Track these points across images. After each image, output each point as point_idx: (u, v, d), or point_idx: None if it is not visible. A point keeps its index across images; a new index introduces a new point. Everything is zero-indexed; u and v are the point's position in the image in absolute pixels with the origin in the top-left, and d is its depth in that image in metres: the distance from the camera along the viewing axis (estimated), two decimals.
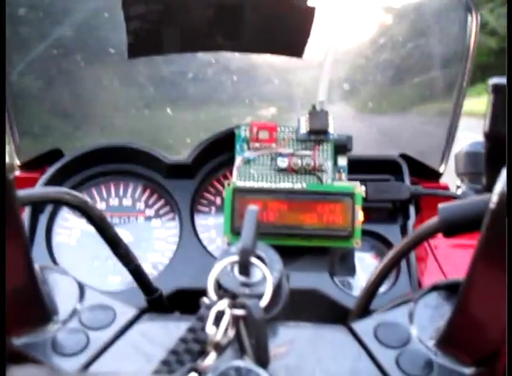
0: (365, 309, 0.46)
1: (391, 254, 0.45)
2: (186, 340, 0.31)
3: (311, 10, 0.67)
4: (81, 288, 0.40)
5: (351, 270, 0.65)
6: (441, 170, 0.77)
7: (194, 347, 0.30)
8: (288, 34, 0.71)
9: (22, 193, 0.44)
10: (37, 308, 0.36)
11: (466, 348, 0.36)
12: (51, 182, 0.66)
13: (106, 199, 0.69)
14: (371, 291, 0.46)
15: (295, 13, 0.68)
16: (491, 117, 0.33)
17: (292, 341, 0.36)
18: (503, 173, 0.30)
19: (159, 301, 0.54)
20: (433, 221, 0.42)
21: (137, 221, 0.68)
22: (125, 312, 0.37)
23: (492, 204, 0.30)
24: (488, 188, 0.36)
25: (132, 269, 0.50)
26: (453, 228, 0.41)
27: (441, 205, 0.42)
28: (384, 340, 0.37)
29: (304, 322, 0.38)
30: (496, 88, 0.32)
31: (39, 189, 0.43)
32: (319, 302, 0.62)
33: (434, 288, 0.41)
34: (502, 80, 0.32)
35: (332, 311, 0.61)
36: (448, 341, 0.36)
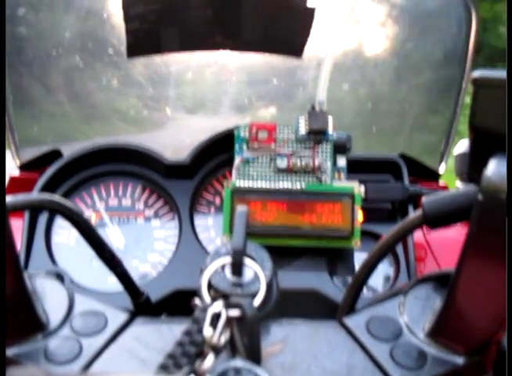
0: (353, 304, 0.46)
1: (375, 248, 0.44)
2: (183, 343, 0.30)
3: (311, 10, 0.67)
4: (71, 295, 0.39)
5: (350, 271, 0.65)
6: (440, 170, 0.77)
7: (191, 350, 0.30)
8: (288, 33, 0.71)
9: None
10: (27, 316, 0.35)
11: (458, 339, 0.36)
12: (50, 183, 0.66)
13: (106, 199, 0.69)
14: (357, 285, 0.46)
15: (295, 13, 0.68)
16: (475, 110, 0.33)
17: (286, 338, 0.36)
18: (490, 165, 0.30)
19: (146, 305, 0.54)
20: (417, 213, 0.42)
21: (136, 221, 0.68)
22: (117, 317, 0.37)
23: (480, 196, 0.30)
24: (471, 179, 0.36)
25: (118, 273, 0.50)
26: (437, 220, 0.41)
27: (424, 198, 0.42)
28: (376, 334, 0.37)
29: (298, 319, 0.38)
30: (479, 81, 0.32)
31: (21, 196, 0.43)
32: (319, 303, 0.62)
33: (423, 280, 0.41)
34: (484, 72, 0.32)
35: (331, 311, 0.61)
36: (439, 331, 0.37)
